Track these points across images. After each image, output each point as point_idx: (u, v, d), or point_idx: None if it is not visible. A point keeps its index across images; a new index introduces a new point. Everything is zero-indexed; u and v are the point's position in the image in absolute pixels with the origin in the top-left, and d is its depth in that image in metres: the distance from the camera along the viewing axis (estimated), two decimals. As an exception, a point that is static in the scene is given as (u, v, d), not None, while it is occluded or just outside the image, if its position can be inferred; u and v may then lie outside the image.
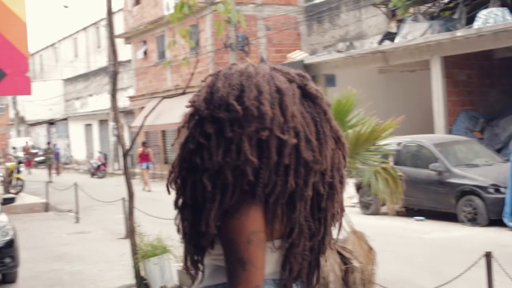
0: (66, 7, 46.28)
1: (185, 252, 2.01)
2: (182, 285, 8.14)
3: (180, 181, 1.95)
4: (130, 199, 8.27)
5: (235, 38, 27.05)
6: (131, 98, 34.09)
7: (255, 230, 1.84)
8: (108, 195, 16.98)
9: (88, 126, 43.50)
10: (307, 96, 1.96)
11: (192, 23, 24.99)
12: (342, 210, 2.05)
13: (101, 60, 41.46)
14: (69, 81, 47.61)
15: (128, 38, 34.09)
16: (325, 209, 1.95)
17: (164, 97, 10.54)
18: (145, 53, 32.75)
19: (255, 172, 1.84)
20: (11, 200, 10.62)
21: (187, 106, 1.96)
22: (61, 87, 48.29)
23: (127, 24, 34.03)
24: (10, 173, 22.67)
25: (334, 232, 2.05)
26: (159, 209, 11.47)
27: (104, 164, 34.82)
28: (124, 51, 33.94)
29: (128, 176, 8.32)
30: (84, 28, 47.43)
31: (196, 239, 1.94)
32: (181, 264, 8.07)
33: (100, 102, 40.07)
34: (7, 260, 9.07)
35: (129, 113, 34.39)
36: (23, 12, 17.49)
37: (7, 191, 20.93)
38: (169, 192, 2.00)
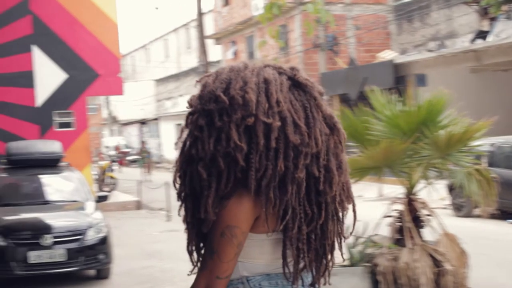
0: (157, 8, 47.24)
1: (188, 239, 2.15)
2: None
3: (181, 174, 2.09)
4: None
5: (324, 38, 26.96)
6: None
7: (231, 224, 1.95)
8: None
9: (179, 125, 44.24)
10: (297, 85, 2.09)
11: (281, 23, 25.11)
12: (350, 198, 2.14)
13: (191, 60, 42.10)
14: (160, 81, 48.56)
15: (218, 38, 34.51)
16: (324, 191, 2.03)
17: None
18: (235, 53, 33.08)
19: (245, 158, 1.96)
20: (105, 198, 10.92)
21: (186, 107, 2.12)
22: (152, 88, 49.30)
23: (216, 25, 34.45)
24: (103, 171, 23.31)
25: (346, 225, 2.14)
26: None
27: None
28: (214, 52, 34.38)
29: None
30: (175, 30, 48.27)
31: (197, 227, 2.07)
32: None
33: (190, 102, 40.53)
34: (101, 256, 9.34)
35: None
36: (114, 14, 18.01)
37: (100, 189, 21.56)
38: (175, 187, 2.13)
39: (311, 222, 2.03)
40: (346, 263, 6.80)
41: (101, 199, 10.66)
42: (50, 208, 10.15)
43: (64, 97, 17.06)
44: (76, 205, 10.30)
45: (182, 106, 43.25)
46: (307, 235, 2.03)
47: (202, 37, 8.17)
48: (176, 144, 2.16)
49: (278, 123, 1.97)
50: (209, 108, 2.01)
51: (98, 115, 58.73)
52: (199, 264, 2.09)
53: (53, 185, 10.90)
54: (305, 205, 2.01)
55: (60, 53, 16.98)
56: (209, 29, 32.47)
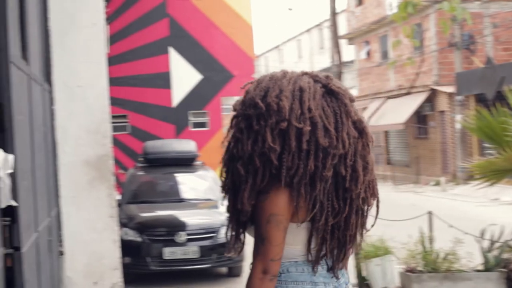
0: (290, 9, 47.47)
1: (227, 226, 2.44)
2: (404, 287, 8.00)
3: (226, 170, 2.41)
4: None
5: (460, 36, 26.10)
6: (354, 98, 34.17)
7: (274, 213, 2.24)
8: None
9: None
10: (330, 92, 2.34)
11: (416, 22, 24.54)
12: (374, 195, 2.41)
13: (324, 61, 41.99)
14: (293, 82, 48.74)
15: (351, 38, 34.22)
16: (349, 189, 2.30)
17: (388, 97, 10.41)
18: (368, 53, 32.68)
19: (279, 158, 2.24)
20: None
21: (231, 110, 2.42)
22: (285, 88, 49.48)
23: (349, 25, 34.17)
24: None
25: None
26: (381, 210, 11.32)
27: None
28: (347, 52, 34.13)
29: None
30: (308, 30, 48.36)
31: (236, 216, 2.36)
32: (403, 266, 7.97)
33: (323, 102, 40.48)
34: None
35: (351, 113, 34.40)
36: (249, 15, 18.22)
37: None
38: (221, 181, 2.46)
39: (337, 215, 2.30)
40: (480, 268, 6.53)
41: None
42: (184, 206, 10.38)
43: (199, 98, 17.41)
44: (209, 204, 10.47)
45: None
46: (332, 226, 2.30)
47: (335, 37, 8.08)
48: (222, 143, 2.45)
49: (309, 128, 2.25)
50: (249, 113, 2.31)
51: (230, 116, 59.43)
52: (241, 249, 2.45)
53: (188, 183, 11.14)
54: (333, 200, 2.29)
55: (196, 55, 17.36)
56: (342, 29, 32.25)
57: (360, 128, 2.36)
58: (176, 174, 11.20)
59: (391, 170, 29.46)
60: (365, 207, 2.39)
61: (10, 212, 3.65)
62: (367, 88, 32.77)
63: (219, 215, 9.83)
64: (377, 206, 2.46)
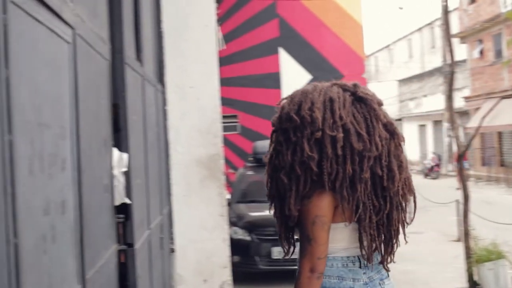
0: (401, 8, 46.68)
1: (278, 231, 2.66)
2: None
3: (270, 180, 2.61)
4: (465, 202, 8.03)
5: None
6: (466, 98, 33.25)
7: (319, 214, 2.41)
8: (440, 196, 16.73)
9: (422, 126, 43.42)
10: (358, 99, 2.52)
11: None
12: (411, 191, 2.58)
13: (436, 60, 41.05)
14: (403, 82, 48.00)
15: (463, 37, 33.28)
16: (387, 188, 2.47)
17: (502, 97, 10.04)
18: (481, 52, 31.70)
19: (318, 165, 2.42)
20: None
21: (271, 125, 2.63)
22: (395, 88, 48.87)
23: (462, 23, 33.24)
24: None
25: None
26: (494, 213, 11.00)
27: (438, 165, 34.53)
28: (459, 51, 33.21)
29: (464, 178, 8.08)
30: (419, 29, 47.41)
31: (284, 221, 2.56)
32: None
33: (435, 102, 39.70)
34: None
35: (464, 113, 33.55)
36: (359, 15, 18.05)
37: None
38: (267, 189, 2.67)
39: (379, 213, 2.48)
40: None
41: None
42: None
43: (308, 98, 17.38)
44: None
45: (426, 106, 42.39)
46: (376, 223, 2.48)
47: (448, 36, 7.81)
48: (265, 156, 2.68)
49: (342, 135, 2.42)
50: (286, 127, 2.52)
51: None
52: (293, 250, 2.67)
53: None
54: (373, 199, 2.46)
55: (305, 55, 17.35)
56: (454, 28, 31.41)
57: (391, 130, 2.54)
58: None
59: (505, 172, 28.46)
60: (404, 203, 2.57)
61: (124, 209, 3.73)
62: (479, 88, 31.78)
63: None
64: (415, 202, 2.64)
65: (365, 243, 2.49)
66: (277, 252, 9.31)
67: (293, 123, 2.49)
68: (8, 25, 1.75)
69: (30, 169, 1.95)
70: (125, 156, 3.39)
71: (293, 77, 17.26)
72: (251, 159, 11.81)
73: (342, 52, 17.65)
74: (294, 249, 2.67)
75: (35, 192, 2.00)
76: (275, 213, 2.63)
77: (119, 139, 3.77)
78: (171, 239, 6.54)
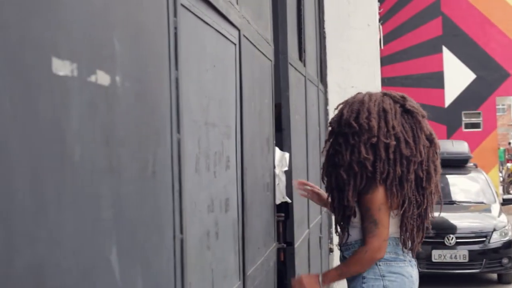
0: None
1: (335, 221, 3.07)
2: None
3: (327, 175, 3.00)
4: None
5: None
6: None
7: (383, 202, 2.84)
8: None
9: None
10: (406, 111, 2.92)
11: None
12: (438, 191, 3.00)
13: None
14: None
15: None
16: (425, 187, 2.89)
17: None
18: None
19: (372, 165, 2.82)
20: (511, 201, 10.47)
21: (328, 126, 3.04)
22: None
23: None
24: (509, 173, 22.44)
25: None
26: None
27: None
28: None
29: None
30: None
31: (342, 211, 2.95)
32: None
33: None
34: (505, 260, 8.97)
35: None
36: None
37: (506, 191, 20.79)
38: (323, 182, 3.08)
39: (419, 207, 2.90)
40: None
41: (506, 202, 10.25)
42: (455, 209, 10.07)
43: (472, 98, 16.80)
44: (481, 207, 10.06)
45: None
46: (417, 215, 2.90)
47: None
48: (322, 152, 3.13)
49: (394, 142, 2.82)
50: (345, 131, 2.88)
51: (507, 116, 56.77)
52: (347, 237, 3.00)
53: (460, 185, 10.79)
54: (416, 195, 2.88)
55: (469, 53, 16.76)
56: None
57: (431, 139, 2.93)
58: (447, 176, 10.87)
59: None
60: (433, 201, 2.98)
61: (285, 208, 3.76)
62: None
63: (491, 219, 9.39)
64: (441, 199, 3.10)
65: (405, 231, 2.92)
66: (437, 255, 9.06)
67: (352, 129, 2.85)
68: (179, 27, 1.79)
69: (196, 167, 1.99)
70: (286, 155, 3.41)
71: (456, 76, 16.72)
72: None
73: (509, 50, 16.86)
74: (348, 236, 2.99)
75: (201, 189, 2.04)
76: (332, 203, 2.99)
77: (282, 138, 3.84)
78: (330, 239, 6.52)
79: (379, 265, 2.91)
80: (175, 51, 1.79)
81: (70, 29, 1.23)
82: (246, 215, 2.60)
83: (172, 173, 1.75)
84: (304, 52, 4.95)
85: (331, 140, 2.98)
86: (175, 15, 1.77)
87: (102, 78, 1.37)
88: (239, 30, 2.51)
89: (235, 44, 2.47)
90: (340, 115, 2.94)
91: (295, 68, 4.28)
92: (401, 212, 2.88)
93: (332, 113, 6.35)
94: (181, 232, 1.80)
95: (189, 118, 1.93)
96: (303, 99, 4.72)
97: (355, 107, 2.90)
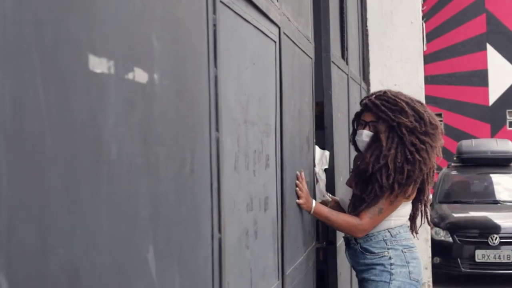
0: None
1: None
2: None
3: (398, 170, 3.07)
4: None
5: None
6: None
7: (399, 200, 3.12)
8: None
9: None
10: None
11: None
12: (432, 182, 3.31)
13: None
14: None
15: None
16: (431, 182, 3.20)
17: None
18: None
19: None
20: None
21: (396, 122, 3.06)
22: None
23: None
24: None
25: None
26: None
27: None
28: None
29: None
30: None
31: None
32: None
33: None
34: None
35: None
36: None
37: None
38: (382, 174, 3.19)
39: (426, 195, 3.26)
40: None
41: None
42: (499, 208, 9.90)
43: (517, 96, 16.49)
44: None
45: None
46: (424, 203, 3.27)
47: None
48: (389, 146, 3.15)
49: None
50: (430, 132, 3.09)
51: None
52: None
53: (504, 184, 10.60)
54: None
55: (514, 51, 16.45)
56: None
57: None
58: (491, 175, 10.70)
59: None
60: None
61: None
62: None
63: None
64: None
65: (415, 217, 3.28)
66: (480, 255, 8.91)
67: (435, 130, 3.05)
68: (218, 24, 1.77)
69: (236, 166, 1.97)
70: (327, 153, 3.37)
71: (501, 74, 16.44)
72: (456, 158, 11.40)
73: None
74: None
75: (240, 188, 2.02)
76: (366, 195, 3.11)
77: (325, 136, 3.81)
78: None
79: (404, 252, 3.09)
80: (214, 48, 1.76)
81: (107, 26, 1.22)
82: (285, 214, 2.57)
83: (210, 172, 1.73)
84: (347, 50, 4.91)
85: (401, 135, 2.98)
86: (214, 12, 1.75)
87: (139, 75, 1.36)
88: (279, 28, 2.48)
89: (275, 42, 2.44)
90: (419, 114, 3.01)
91: (338, 66, 4.25)
92: (414, 199, 3.18)
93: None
94: (219, 231, 1.78)
95: (228, 116, 1.91)
96: (346, 97, 4.69)
97: (425, 109, 3.10)
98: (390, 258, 3.07)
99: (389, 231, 3.10)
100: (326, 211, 3.05)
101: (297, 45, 2.85)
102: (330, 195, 3.42)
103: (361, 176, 3.05)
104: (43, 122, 1.01)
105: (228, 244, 1.86)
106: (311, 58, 3.25)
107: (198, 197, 1.65)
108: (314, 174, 3.31)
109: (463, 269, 9.01)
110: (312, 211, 2.97)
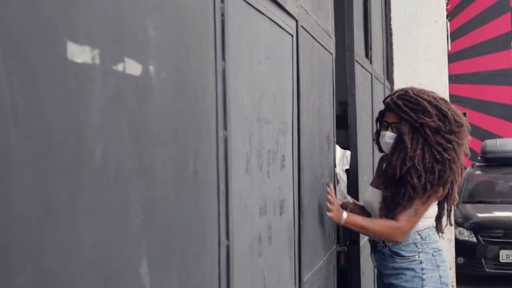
0: None
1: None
2: None
3: (429, 169, 2.91)
4: None
5: None
6: None
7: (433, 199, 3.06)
8: None
9: None
10: None
11: None
12: None
13: None
14: None
15: None
16: (457, 182, 3.03)
17: None
18: None
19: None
20: None
21: (420, 123, 2.91)
22: None
23: None
24: None
25: None
26: None
27: None
28: None
29: None
30: None
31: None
32: None
33: None
34: None
35: None
36: None
37: None
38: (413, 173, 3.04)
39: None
40: None
41: None
42: (523, 208, 9.64)
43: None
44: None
45: None
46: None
47: None
48: (414, 146, 3.02)
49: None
50: (456, 130, 2.94)
51: None
52: None
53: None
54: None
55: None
56: None
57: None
58: (516, 175, 10.43)
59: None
60: None
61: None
62: None
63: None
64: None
65: (444, 217, 3.14)
66: (505, 255, 8.65)
67: (460, 127, 2.91)
68: (226, 14, 1.59)
69: (247, 167, 1.79)
70: (348, 153, 3.17)
71: (526, 73, 16.08)
72: (480, 158, 11.13)
73: None
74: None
75: (252, 190, 1.84)
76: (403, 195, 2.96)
77: (348, 135, 3.73)
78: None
79: (435, 255, 2.98)
80: (222, 40, 1.59)
81: (91, 9, 1.04)
82: (303, 217, 2.38)
83: (217, 173, 1.56)
84: (371, 49, 4.79)
85: (425, 134, 2.84)
86: (222, 1, 1.57)
87: (131, 67, 1.19)
88: (296, 21, 2.29)
89: (292, 35, 2.25)
90: (443, 112, 2.87)
91: (362, 66, 4.14)
92: (442, 200, 3.06)
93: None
94: (227, 238, 1.60)
95: (239, 114, 1.73)
96: (369, 96, 4.55)
97: (450, 106, 2.95)
98: (421, 262, 2.94)
99: (419, 234, 2.97)
100: (359, 220, 2.89)
101: (316, 40, 2.66)
102: (350, 197, 3.21)
103: (390, 179, 2.90)
104: (7, 118, 0.84)
105: (238, 251, 1.69)
106: (332, 54, 3.05)
107: (202, 201, 1.48)
108: (335, 174, 3.12)
109: (487, 270, 8.78)
110: (343, 222, 2.83)
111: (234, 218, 1.65)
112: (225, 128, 1.60)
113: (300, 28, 2.33)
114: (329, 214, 2.74)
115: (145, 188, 1.22)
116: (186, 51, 1.41)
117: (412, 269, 2.93)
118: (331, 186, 2.81)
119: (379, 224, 2.89)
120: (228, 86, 1.62)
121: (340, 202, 3.14)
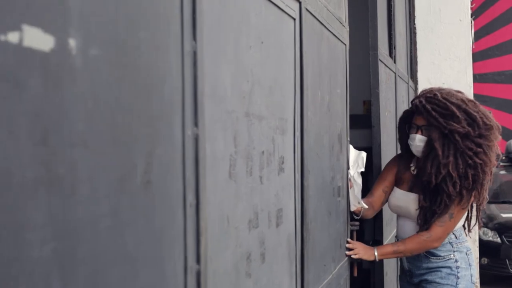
0: None
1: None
2: None
3: (463, 175, 2.86)
4: None
5: None
6: None
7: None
8: None
9: None
10: None
11: None
12: None
13: None
14: None
15: None
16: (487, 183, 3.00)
17: None
18: None
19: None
20: None
21: (449, 126, 2.81)
22: None
23: None
24: None
25: None
26: None
27: None
28: None
29: None
30: None
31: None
32: None
33: None
34: None
35: None
36: None
37: None
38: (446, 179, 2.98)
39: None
40: None
41: None
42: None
43: None
44: None
45: None
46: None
47: None
48: (445, 149, 2.90)
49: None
50: (485, 134, 2.83)
51: None
52: None
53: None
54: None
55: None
56: None
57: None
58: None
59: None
60: None
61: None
62: None
63: None
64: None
65: (473, 220, 3.06)
66: (531, 257, 8.19)
67: (488, 131, 2.78)
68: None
69: (231, 172, 1.41)
70: (363, 154, 2.76)
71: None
72: (504, 158, 10.65)
73: None
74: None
75: (237, 200, 1.45)
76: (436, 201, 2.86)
77: (372, 135, 3.63)
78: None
79: (468, 254, 2.95)
80: (193, 14, 1.21)
81: None
82: (307, 228, 1.98)
83: (183, 182, 1.17)
84: (394, 48, 4.56)
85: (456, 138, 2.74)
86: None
87: (35, 38, 0.80)
88: (299, 2, 1.89)
89: (294, 19, 1.85)
90: (472, 117, 2.76)
91: (385, 65, 3.95)
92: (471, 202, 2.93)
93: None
94: (198, 261, 1.22)
95: (219, 108, 1.35)
96: (393, 95, 4.28)
97: (479, 109, 2.83)
98: (456, 261, 2.91)
99: (453, 233, 2.93)
100: (390, 248, 2.86)
101: (325, 27, 2.25)
102: (362, 202, 2.81)
103: (426, 187, 2.84)
104: None
105: (216, 275, 1.30)
106: (345, 44, 2.64)
107: (158, 219, 1.10)
108: (348, 177, 2.71)
109: (511, 270, 8.33)
110: (377, 259, 2.80)
111: (210, 235, 1.27)
112: (196, 125, 1.21)
113: (304, 11, 1.92)
114: (357, 256, 2.72)
115: (58, 207, 0.84)
116: (133, 22, 1.02)
117: (448, 267, 2.90)
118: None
119: (410, 242, 2.84)
120: (201, 72, 1.23)
121: (354, 208, 2.75)
